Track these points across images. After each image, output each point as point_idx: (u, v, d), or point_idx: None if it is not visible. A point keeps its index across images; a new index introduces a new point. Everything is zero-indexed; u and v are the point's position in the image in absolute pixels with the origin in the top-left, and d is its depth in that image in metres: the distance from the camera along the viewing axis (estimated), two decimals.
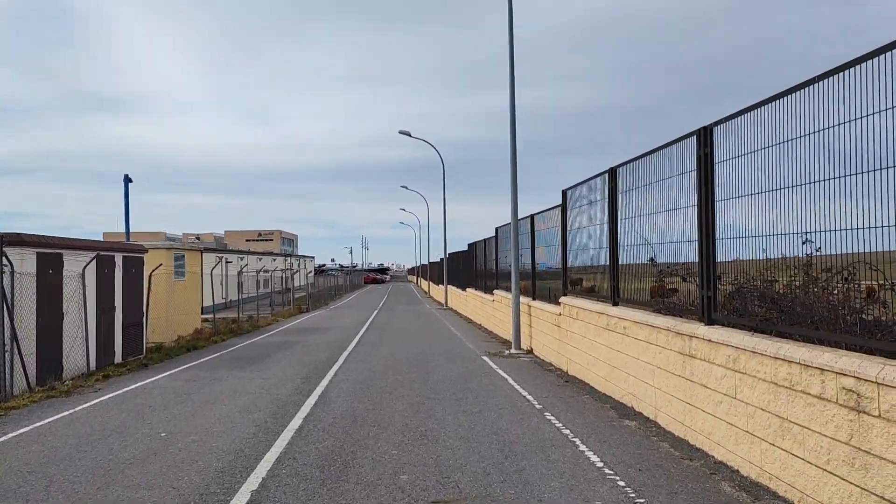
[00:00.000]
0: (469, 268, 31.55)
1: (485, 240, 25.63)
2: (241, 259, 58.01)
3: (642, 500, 5.46)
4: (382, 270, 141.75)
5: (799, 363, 5.17)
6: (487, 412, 9.07)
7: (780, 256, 6.29)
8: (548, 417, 8.70)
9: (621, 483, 5.91)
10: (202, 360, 15.99)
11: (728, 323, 6.79)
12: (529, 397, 10.12)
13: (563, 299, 12.94)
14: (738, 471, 6.14)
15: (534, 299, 16.24)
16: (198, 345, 19.47)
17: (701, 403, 6.93)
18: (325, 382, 11.85)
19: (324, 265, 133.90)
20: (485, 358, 15.09)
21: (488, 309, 23.55)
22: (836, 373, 4.74)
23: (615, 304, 10.08)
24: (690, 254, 7.65)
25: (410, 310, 37.70)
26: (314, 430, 8.17)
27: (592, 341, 10.92)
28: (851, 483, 4.60)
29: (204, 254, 45.37)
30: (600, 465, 6.50)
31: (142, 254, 18.41)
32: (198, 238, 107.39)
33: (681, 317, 7.84)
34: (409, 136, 40.69)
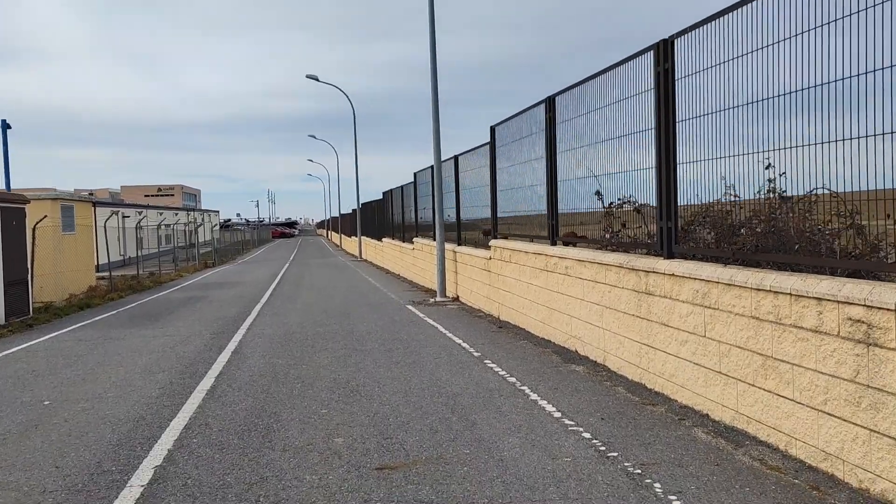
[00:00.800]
0: (384, 217, 30.53)
1: (401, 186, 24.64)
2: (140, 213, 54.71)
3: (615, 454, 4.83)
4: (291, 224, 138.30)
5: (789, 293, 4.60)
6: (423, 363, 8.30)
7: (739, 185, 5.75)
8: (489, 365, 8.02)
9: (586, 435, 5.27)
10: (97, 318, 14.47)
11: (690, 256, 6.21)
12: (465, 345, 9.42)
13: (493, 242, 12.23)
14: (707, 415, 5.63)
15: (459, 244, 15.51)
16: (92, 303, 17.77)
17: (661, 344, 6.38)
18: (237, 338, 10.75)
19: (229, 220, 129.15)
20: (410, 307, 14.31)
21: (408, 258, 22.73)
22: (840, 302, 4.17)
23: (554, 243, 9.43)
24: (643, 189, 7.02)
25: (324, 262, 36.43)
26: (229, 391, 7.17)
27: (528, 284, 10.29)
28: (857, 424, 4.09)
29: (98, 208, 42.37)
30: (557, 415, 5.85)
31: (23, 204, 16.47)
32: (91, 194, 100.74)
33: (632, 253, 7.25)
34: (317, 80, 38.78)
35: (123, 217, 40.37)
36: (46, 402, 6.98)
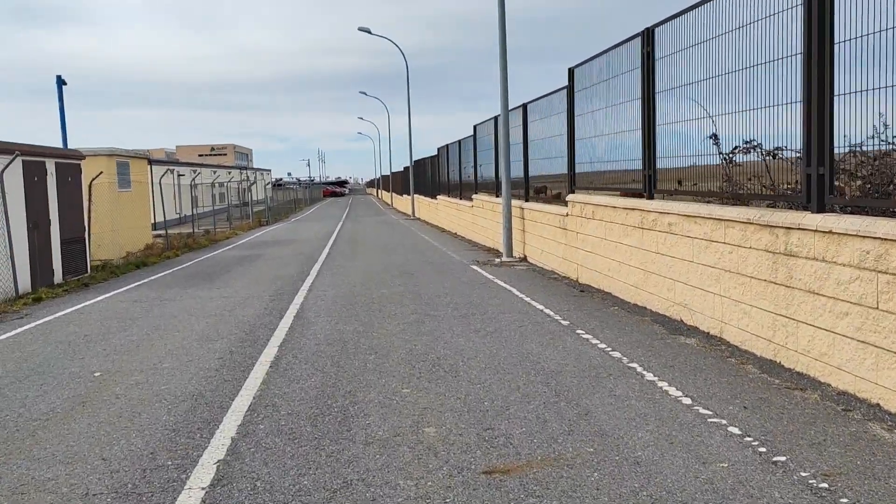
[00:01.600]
0: (438, 174, 29.52)
1: (458, 141, 23.54)
2: (195, 172, 54.85)
3: (782, 458, 3.85)
4: (341, 183, 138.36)
5: None
6: (506, 332, 7.38)
7: None
8: (583, 336, 7.06)
9: (734, 430, 4.29)
10: (152, 277, 13.96)
11: (852, 209, 5.09)
12: (548, 311, 8.46)
13: (571, 197, 11.15)
14: (878, 405, 4.57)
15: (527, 201, 14.46)
16: (148, 261, 17.38)
17: (806, 316, 5.31)
18: (299, 300, 10.01)
19: (281, 179, 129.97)
20: (475, 268, 13.39)
21: (466, 217, 21.76)
22: None
23: (651, 196, 8.33)
24: (780, 131, 5.87)
25: (377, 220, 35.77)
26: (295, 363, 6.39)
27: (617, 243, 9.22)
28: None
29: (153, 166, 42.43)
30: (687, 401, 4.88)
31: (79, 160, 16.04)
32: (148, 153, 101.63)
33: (760, 207, 6.13)
34: (369, 32, 37.62)
35: (178, 175, 40.40)
36: (97, 374, 6.32)
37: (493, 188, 18.65)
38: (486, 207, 18.54)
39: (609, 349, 6.46)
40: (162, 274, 14.45)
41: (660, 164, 8.18)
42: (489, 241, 17.96)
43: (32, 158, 13.50)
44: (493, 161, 17.53)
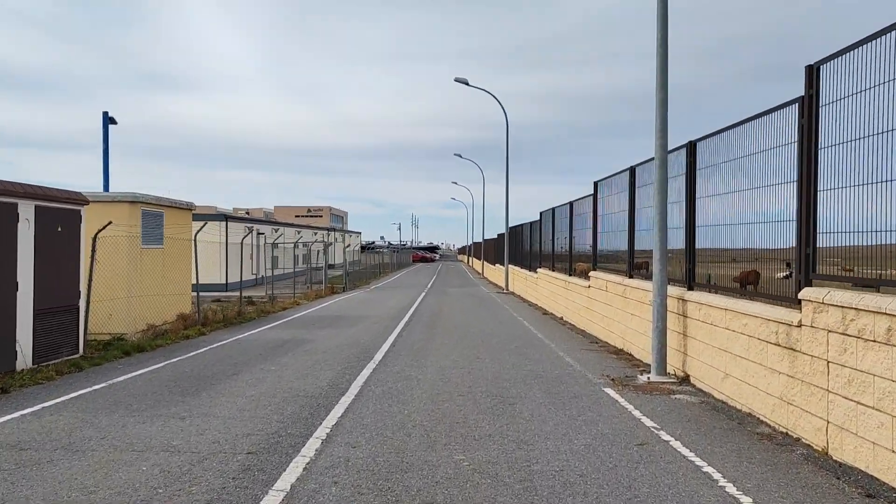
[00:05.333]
0: (539, 243, 24.63)
1: (570, 203, 18.67)
2: (276, 230, 52.16)
3: None
4: (432, 249, 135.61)
5: None
6: None
7: None
8: None
9: None
10: (114, 380, 9.57)
11: None
12: None
13: (814, 294, 6.01)
14: None
15: (690, 289, 9.36)
16: (152, 344, 13.24)
17: None
18: (290, 477, 5.21)
19: (373, 242, 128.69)
20: (611, 392, 8.33)
21: (578, 299, 16.68)
22: None
23: None
24: None
25: (465, 293, 31.01)
26: None
27: None
28: None
29: (230, 222, 39.63)
30: None
31: (79, 206, 12.26)
32: (247, 212, 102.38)
33: None
34: (467, 84, 33.83)
35: (258, 234, 37.31)
36: None
37: (614, 260, 13.68)
38: (610, 290, 13.47)
39: None
40: (134, 374, 9.95)
41: None
42: (613, 337, 12.85)
43: None
44: (627, 226, 12.57)
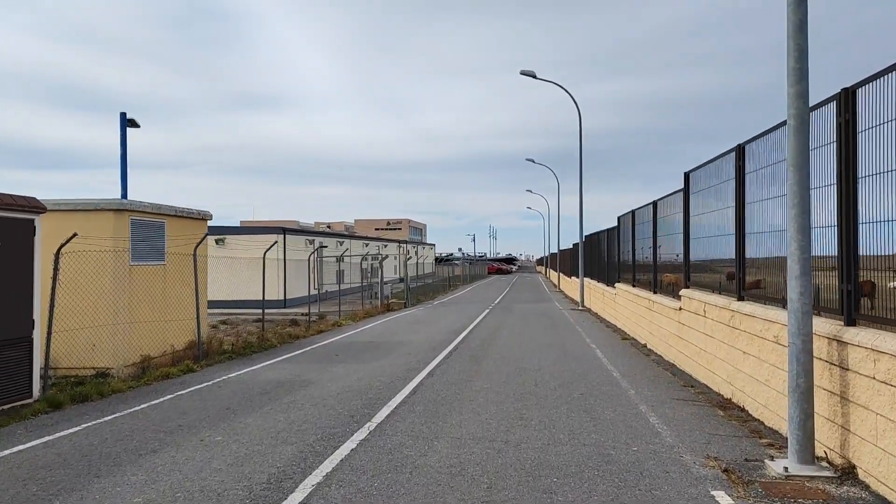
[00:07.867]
0: (619, 253, 20.99)
1: (654, 202, 15.09)
2: (341, 244, 50.02)
3: None
4: (509, 260, 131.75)
5: None
6: None
7: None
8: None
9: None
10: (26, 444, 6.84)
11: None
12: None
13: None
14: None
15: (851, 323, 5.80)
16: (126, 386, 10.59)
17: None
18: None
19: (450, 254, 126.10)
20: (724, 500, 4.90)
21: (668, 324, 13.09)
22: None
23: None
24: None
25: (534, 310, 27.55)
26: None
27: None
28: None
29: (288, 235, 37.48)
30: None
31: (30, 214, 9.89)
32: (328, 226, 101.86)
33: None
34: (534, 77, 30.50)
35: (321, 247, 34.97)
36: None
37: (710, 270, 10.19)
38: (710, 316, 9.90)
39: None
40: (30, 444, 7.18)
41: None
42: (716, 381, 9.31)
43: None
44: (735, 227, 9.04)
